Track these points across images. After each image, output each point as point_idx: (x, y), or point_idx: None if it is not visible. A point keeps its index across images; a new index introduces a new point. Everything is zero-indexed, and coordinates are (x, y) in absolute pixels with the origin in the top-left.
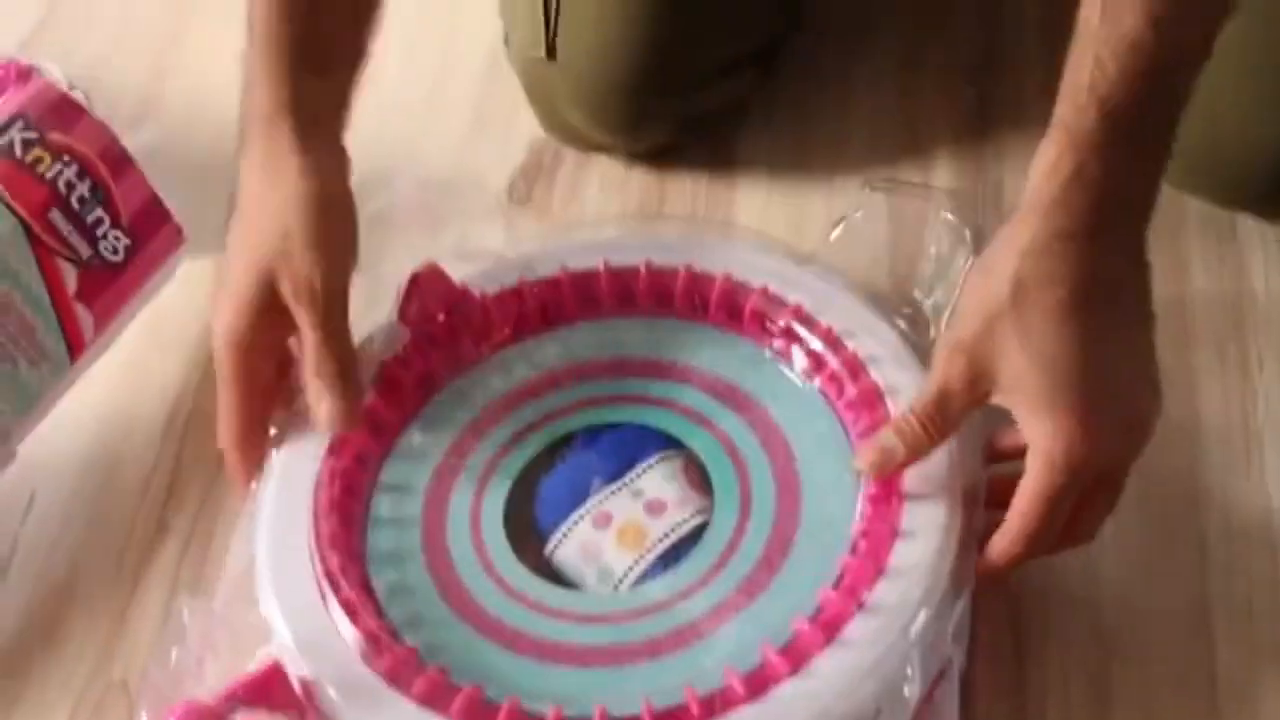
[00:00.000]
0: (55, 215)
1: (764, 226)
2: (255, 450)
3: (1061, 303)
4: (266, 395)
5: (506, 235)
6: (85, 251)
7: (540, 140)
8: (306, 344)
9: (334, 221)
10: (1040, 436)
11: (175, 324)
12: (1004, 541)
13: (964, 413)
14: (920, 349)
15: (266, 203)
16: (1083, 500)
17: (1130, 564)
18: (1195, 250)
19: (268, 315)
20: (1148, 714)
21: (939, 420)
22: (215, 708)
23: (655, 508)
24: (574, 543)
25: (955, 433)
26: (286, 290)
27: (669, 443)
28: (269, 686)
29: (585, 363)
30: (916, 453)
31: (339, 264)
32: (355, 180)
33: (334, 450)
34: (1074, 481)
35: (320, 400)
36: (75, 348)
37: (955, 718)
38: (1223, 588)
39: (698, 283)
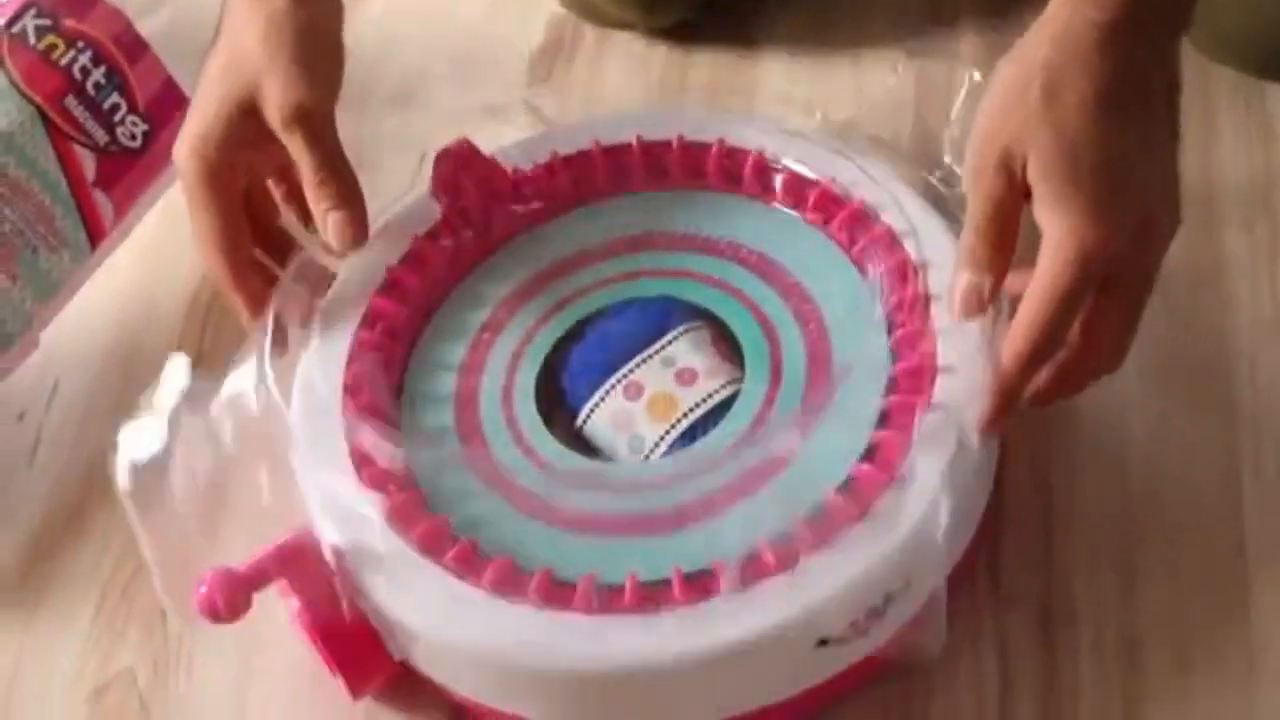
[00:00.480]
0: (71, 102)
1: (787, 105)
2: (251, 279)
3: (1090, 93)
4: (240, 218)
5: (529, 114)
6: (102, 138)
7: (560, 17)
8: (305, 167)
9: (324, 50)
10: (1054, 229)
11: None
12: (1011, 346)
13: (1017, 207)
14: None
15: (253, 25)
16: (1095, 309)
17: (1158, 433)
18: (1225, 121)
19: (240, 133)
20: (1175, 585)
21: (999, 223)
22: (246, 575)
23: (686, 377)
24: (605, 413)
25: (1018, 236)
26: (273, 112)
27: (698, 314)
28: (299, 555)
29: (618, 237)
30: (998, 271)
31: (329, 90)
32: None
33: (367, 324)
34: (1084, 277)
35: (329, 217)
36: (95, 234)
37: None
38: (1251, 454)
39: (731, 156)
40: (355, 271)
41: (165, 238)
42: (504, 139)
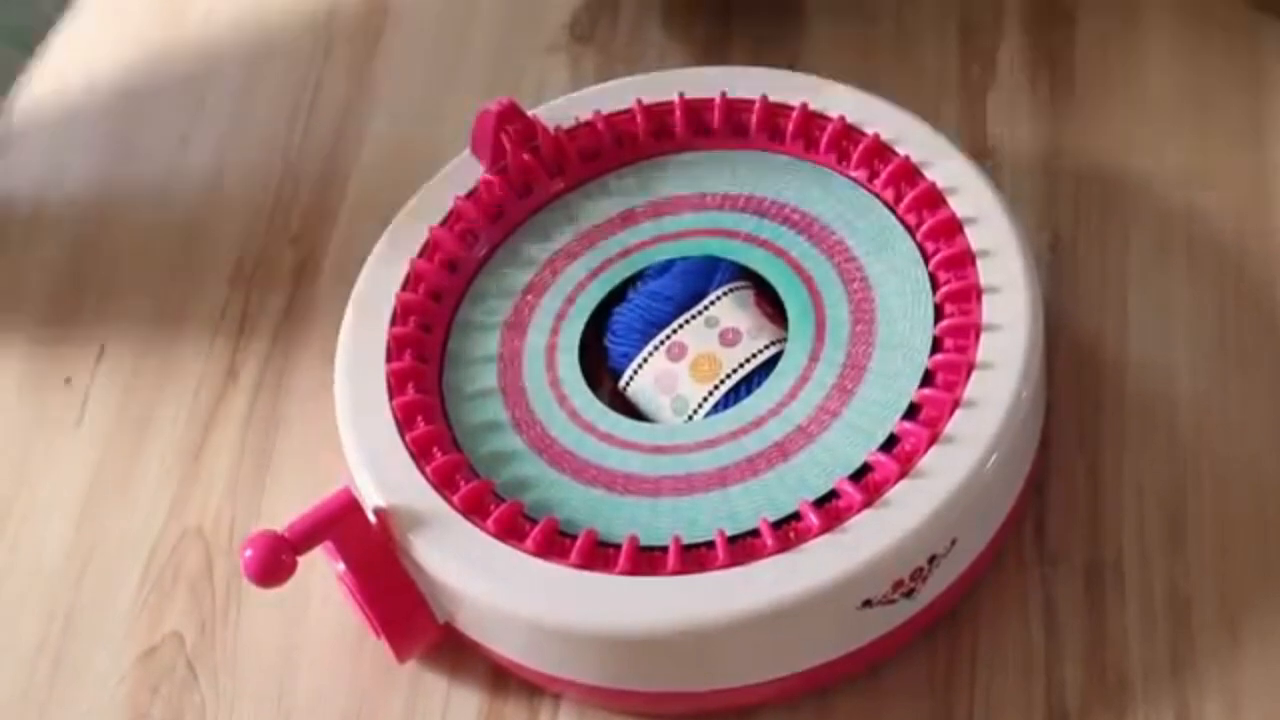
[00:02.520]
0: None
1: (830, 65)
2: None
3: None
4: None
5: (571, 73)
6: None
7: None
8: None
9: None
10: None
11: (236, 176)
12: None
13: None
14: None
15: None
16: None
17: (1208, 391)
18: (1275, 75)
19: None
20: (1224, 543)
21: None
22: (291, 539)
23: (729, 337)
24: (648, 375)
25: None
26: None
27: (741, 273)
28: (345, 518)
29: (661, 198)
30: None
31: None
32: None
33: (409, 286)
34: None
35: None
36: None
37: None
38: None
39: (774, 112)
40: (397, 233)
41: (207, 203)
42: (545, 98)
